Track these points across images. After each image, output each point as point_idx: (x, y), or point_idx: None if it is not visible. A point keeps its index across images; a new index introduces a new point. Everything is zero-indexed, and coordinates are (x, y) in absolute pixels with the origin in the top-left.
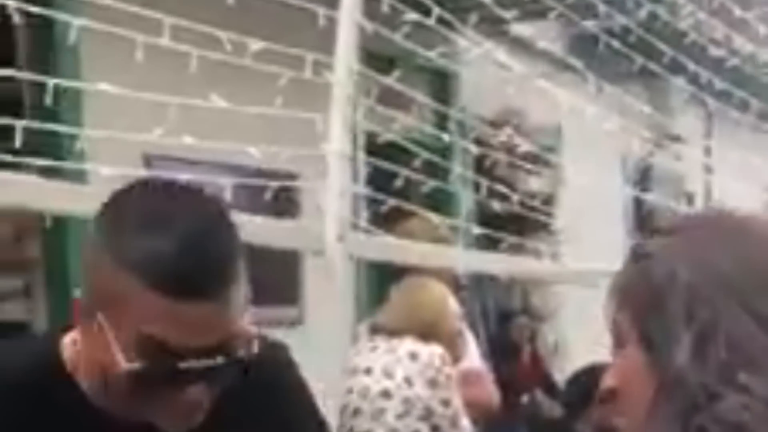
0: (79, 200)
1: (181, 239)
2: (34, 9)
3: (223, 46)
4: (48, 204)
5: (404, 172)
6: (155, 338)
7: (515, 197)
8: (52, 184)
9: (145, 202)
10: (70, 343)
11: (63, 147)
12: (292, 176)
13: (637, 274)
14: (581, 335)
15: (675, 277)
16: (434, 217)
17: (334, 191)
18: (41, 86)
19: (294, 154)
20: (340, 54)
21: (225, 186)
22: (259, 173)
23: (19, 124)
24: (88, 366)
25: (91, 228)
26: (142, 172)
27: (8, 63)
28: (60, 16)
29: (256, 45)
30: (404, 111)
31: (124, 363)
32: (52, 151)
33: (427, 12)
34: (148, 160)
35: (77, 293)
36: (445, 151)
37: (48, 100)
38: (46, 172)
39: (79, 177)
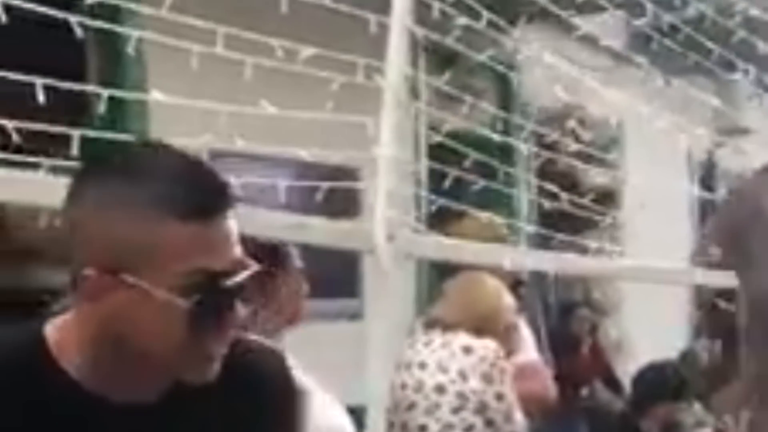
0: None
1: (183, 170)
2: (98, 24)
3: (276, 53)
4: None
5: (453, 172)
6: (197, 269)
7: (567, 195)
8: None
9: (131, 160)
10: (53, 329)
11: None
12: (352, 171)
13: (729, 209)
14: (644, 330)
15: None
16: (492, 216)
17: (382, 193)
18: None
19: (345, 156)
20: (391, 59)
21: (285, 183)
22: (321, 167)
23: (88, 132)
24: (107, 340)
25: (81, 205)
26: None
27: (78, 75)
28: (120, 29)
29: (307, 51)
30: (464, 107)
31: (182, 302)
32: None
33: (487, 7)
34: (212, 156)
35: (85, 271)
36: (505, 149)
37: (103, 108)
38: None
39: None
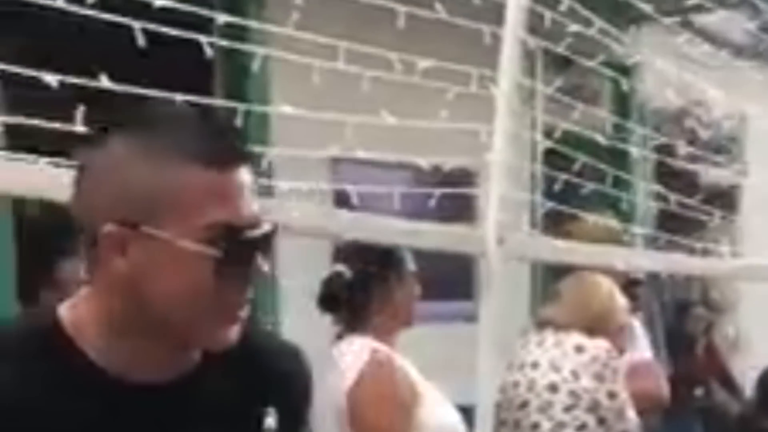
0: (265, 213)
1: (200, 123)
2: (225, 43)
3: (393, 65)
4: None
5: (563, 176)
6: (218, 220)
7: (683, 196)
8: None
9: (147, 116)
10: (68, 310)
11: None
12: (470, 177)
13: None
14: (762, 330)
15: None
16: (606, 218)
17: (494, 197)
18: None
19: (460, 162)
20: (504, 68)
21: (402, 189)
22: (437, 174)
23: None
24: (127, 306)
25: (99, 162)
26: (324, 186)
27: (206, 90)
28: (245, 47)
29: (424, 63)
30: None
31: (205, 251)
32: None
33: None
34: (334, 163)
35: (104, 227)
36: (620, 151)
37: (239, 122)
38: None
39: (266, 191)
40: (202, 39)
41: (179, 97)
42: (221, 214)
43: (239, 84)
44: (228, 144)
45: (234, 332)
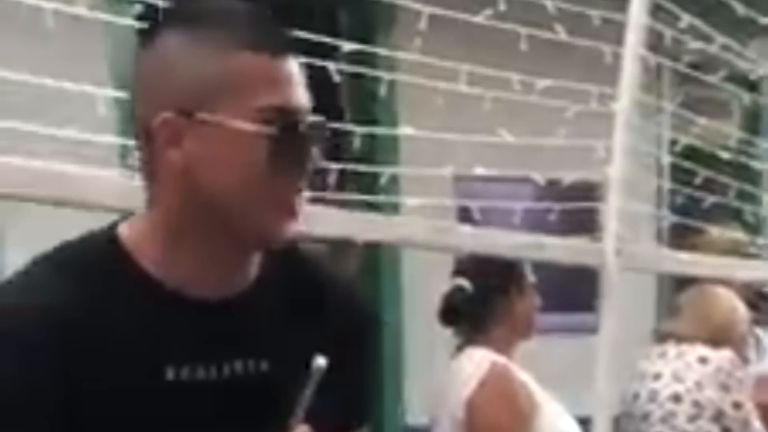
0: (392, 230)
1: (251, 12)
2: (353, 68)
3: (512, 85)
4: (366, 235)
5: (685, 190)
6: (273, 105)
7: None
8: (368, 216)
9: (198, 6)
10: (125, 228)
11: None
12: (594, 190)
13: None
14: None
15: None
16: (733, 231)
17: (613, 210)
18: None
19: (580, 177)
20: (624, 85)
21: (525, 204)
22: (560, 188)
23: (348, 166)
24: (186, 204)
25: (153, 52)
26: (448, 202)
27: (335, 114)
28: (372, 72)
29: (543, 83)
30: (711, 119)
31: (264, 132)
32: (370, 188)
33: (730, 22)
34: (458, 180)
35: (160, 116)
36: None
37: (357, 143)
38: (365, 206)
39: (393, 209)
40: (330, 65)
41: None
42: (274, 97)
43: (367, 106)
44: (277, 32)
45: (291, 227)
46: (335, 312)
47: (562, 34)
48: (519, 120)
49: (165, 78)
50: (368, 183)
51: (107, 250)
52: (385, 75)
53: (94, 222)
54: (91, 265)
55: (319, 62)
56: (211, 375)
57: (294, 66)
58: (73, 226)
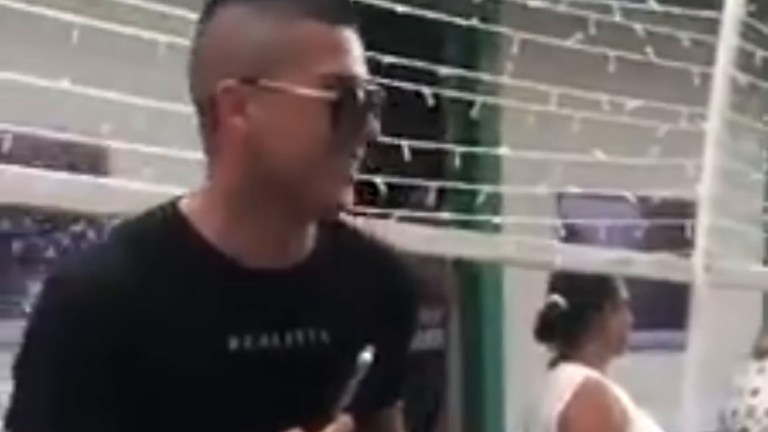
0: (490, 247)
1: None
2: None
3: (602, 106)
4: (464, 252)
5: None
6: (333, 72)
7: None
8: (468, 233)
9: None
10: (187, 200)
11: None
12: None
13: None
14: None
15: None
16: None
17: (702, 227)
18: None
19: (671, 195)
20: (715, 105)
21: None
22: (655, 203)
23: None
24: (247, 172)
25: (216, 21)
26: (546, 220)
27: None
28: (473, 97)
29: (633, 103)
30: None
31: (325, 95)
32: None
33: None
34: (560, 198)
35: (223, 83)
36: None
37: (458, 163)
38: (465, 224)
39: (493, 227)
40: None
41: (406, 142)
42: (334, 65)
43: (469, 130)
44: (338, 2)
45: (348, 195)
46: (388, 286)
47: (651, 56)
48: (611, 139)
49: (228, 47)
50: (468, 202)
51: (170, 222)
52: (486, 99)
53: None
54: (154, 238)
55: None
56: (274, 344)
57: (353, 35)
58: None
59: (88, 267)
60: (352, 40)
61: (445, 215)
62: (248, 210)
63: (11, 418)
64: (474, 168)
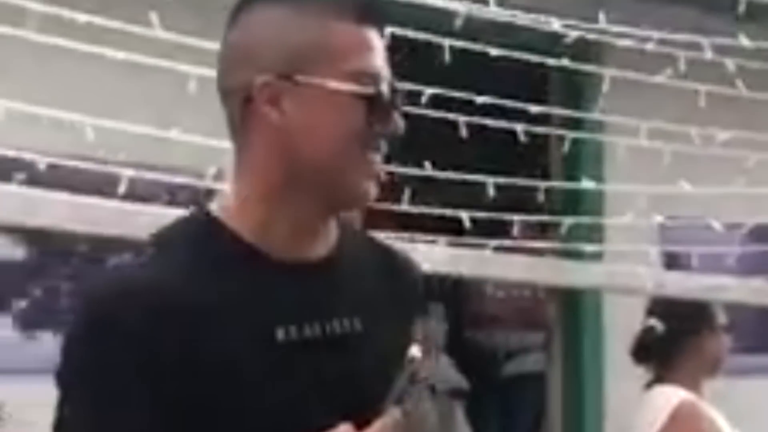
0: (591, 276)
1: None
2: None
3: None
4: (568, 280)
5: None
6: (363, 69)
7: None
8: (570, 263)
9: None
10: (216, 203)
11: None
12: None
13: None
14: None
15: None
16: None
17: None
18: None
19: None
20: None
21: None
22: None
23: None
24: (280, 164)
25: (251, 19)
26: (653, 250)
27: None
28: (577, 134)
29: (723, 135)
30: None
31: (359, 89)
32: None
33: None
34: (661, 228)
35: (260, 79)
36: None
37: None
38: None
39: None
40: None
41: (502, 179)
42: (364, 63)
43: (575, 163)
44: (365, 4)
45: (374, 188)
46: (401, 276)
47: (742, 90)
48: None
49: (266, 43)
50: (570, 233)
51: (202, 225)
52: (585, 135)
53: None
54: (188, 241)
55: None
56: (316, 333)
57: (377, 35)
58: None
59: (128, 277)
60: (378, 40)
61: (548, 245)
62: (282, 203)
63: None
64: (577, 200)
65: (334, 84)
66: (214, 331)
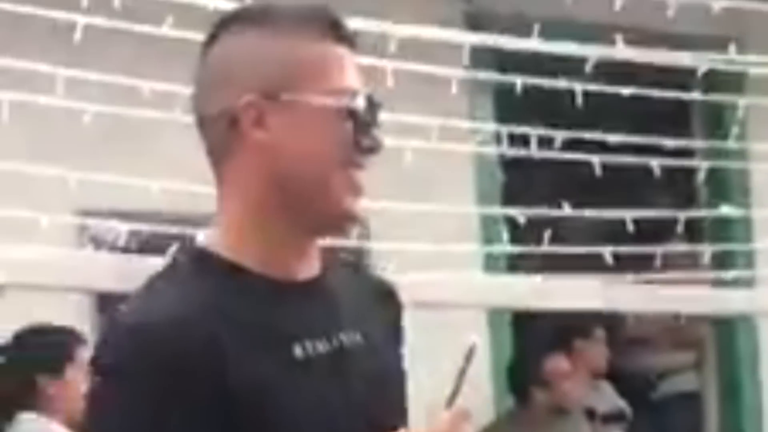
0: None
1: (323, 8)
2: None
3: None
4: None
5: None
6: (345, 87)
7: None
8: (717, 292)
9: (261, 7)
10: (203, 237)
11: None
12: None
13: None
14: None
15: None
16: None
17: None
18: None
19: None
20: None
21: None
22: None
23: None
24: (267, 185)
25: (235, 40)
26: None
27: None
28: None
29: None
30: None
31: (344, 104)
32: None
33: None
34: None
35: (244, 98)
36: None
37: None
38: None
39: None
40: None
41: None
42: (343, 80)
43: (722, 189)
44: (341, 24)
45: (358, 206)
46: (378, 292)
47: None
48: None
49: (246, 65)
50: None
51: (194, 258)
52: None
53: None
54: (186, 273)
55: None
56: (326, 348)
57: (351, 53)
58: None
59: (154, 309)
60: (353, 58)
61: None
62: (271, 223)
63: None
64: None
65: (318, 100)
66: (235, 356)
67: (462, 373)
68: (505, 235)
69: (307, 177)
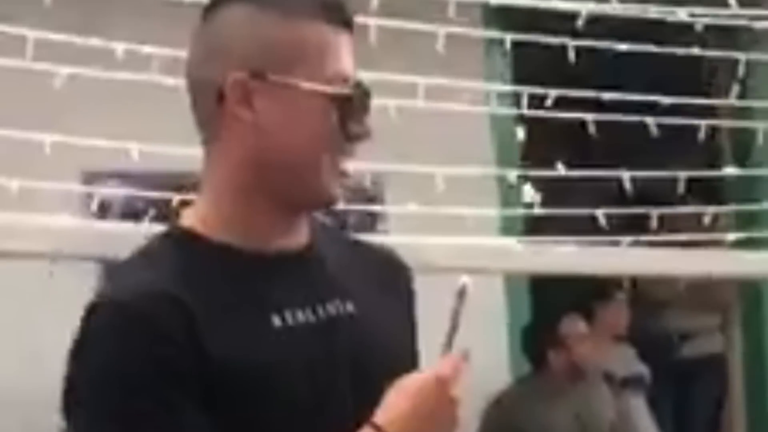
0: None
1: None
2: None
3: None
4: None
5: None
6: (337, 71)
7: None
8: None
9: None
10: (184, 216)
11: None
12: None
13: None
14: None
15: None
16: None
17: None
18: None
19: None
20: None
21: None
22: None
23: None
24: (252, 163)
25: (227, 15)
26: None
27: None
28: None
29: None
30: None
31: (333, 90)
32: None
33: None
34: None
35: (233, 76)
36: None
37: None
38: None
39: None
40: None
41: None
42: (337, 66)
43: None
44: (340, 7)
45: (339, 189)
46: (380, 261)
47: None
48: None
49: (238, 41)
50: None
51: (174, 234)
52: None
53: None
54: (166, 249)
55: None
56: (310, 318)
57: (350, 39)
58: None
59: (139, 280)
60: (350, 43)
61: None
62: (253, 200)
63: None
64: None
65: (307, 85)
66: (209, 326)
67: (455, 314)
68: (526, 196)
69: (290, 163)
